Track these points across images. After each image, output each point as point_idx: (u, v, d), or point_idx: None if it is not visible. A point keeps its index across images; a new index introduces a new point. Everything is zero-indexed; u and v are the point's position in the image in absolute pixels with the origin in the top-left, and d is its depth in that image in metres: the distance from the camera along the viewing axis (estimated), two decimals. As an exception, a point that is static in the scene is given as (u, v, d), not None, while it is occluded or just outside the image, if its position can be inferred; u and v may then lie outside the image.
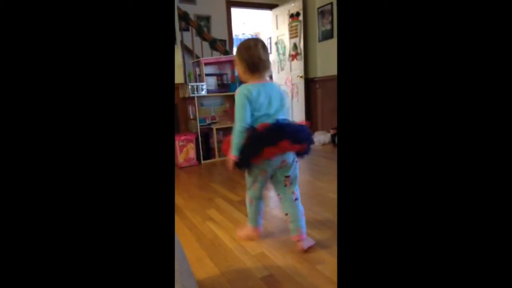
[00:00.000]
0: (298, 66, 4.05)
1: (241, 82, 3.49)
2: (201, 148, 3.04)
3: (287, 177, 1.27)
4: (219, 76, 3.32)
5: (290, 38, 4.09)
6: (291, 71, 4.18)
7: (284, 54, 4.26)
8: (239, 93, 1.20)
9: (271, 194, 2.07)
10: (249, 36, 6.60)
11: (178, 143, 2.90)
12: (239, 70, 1.26)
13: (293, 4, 3.97)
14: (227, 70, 3.37)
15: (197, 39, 3.44)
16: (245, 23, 6.28)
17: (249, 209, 1.38)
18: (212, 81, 3.25)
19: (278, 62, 4.39)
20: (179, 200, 2.02)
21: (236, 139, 1.19)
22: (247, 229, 1.42)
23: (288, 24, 4.08)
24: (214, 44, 3.35)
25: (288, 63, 4.20)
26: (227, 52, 3.52)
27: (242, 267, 1.21)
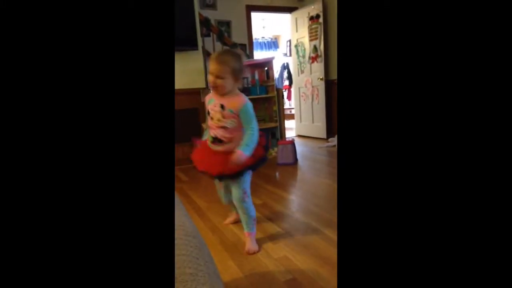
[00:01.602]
0: (318, 68, 4.03)
1: (262, 86, 3.49)
2: (222, 152, 3.09)
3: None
4: (240, 80, 3.36)
5: (310, 40, 4.08)
6: (311, 73, 4.16)
7: (304, 56, 4.25)
8: (250, 104, 1.35)
9: (292, 197, 2.07)
10: (269, 40, 6.63)
11: (200, 146, 2.95)
12: (227, 80, 1.28)
13: (313, 7, 3.96)
14: (247, 74, 3.40)
15: (218, 45, 3.50)
16: (265, 27, 6.32)
17: None
18: (232, 85, 3.29)
19: (298, 64, 4.39)
20: (201, 203, 2.06)
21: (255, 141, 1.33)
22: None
23: (308, 27, 4.07)
24: (235, 49, 3.40)
25: (308, 65, 4.19)
26: (248, 56, 3.56)
27: (265, 270, 1.22)
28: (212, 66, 1.27)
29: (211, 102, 1.35)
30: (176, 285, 0.41)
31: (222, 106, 1.30)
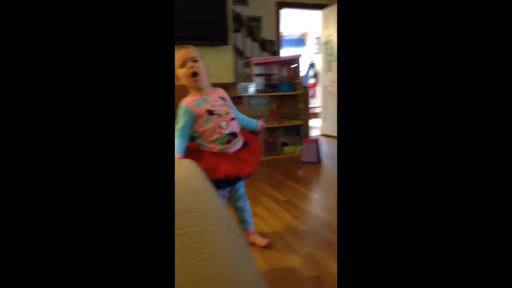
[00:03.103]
0: (347, 67, 3.95)
1: (289, 84, 3.47)
2: (247, 147, 3.11)
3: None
4: (267, 76, 3.37)
5: (340, 38, 4.01)
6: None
7: (331, 54, 4.19)
8: None
9: (316, 196, 2.06)
10: (297, 37, 6.57)
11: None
12: (203, 63, 1.17)
13: (344, 4, 3.88)
14: (275, 71, 3.41)
15: (248, 40, 3.52)
16: (293, 24, 6.27)
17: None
18: (260, 81, 3.30)
19: (326, 62, 4.33)
20: (226, 195, 2.09)
21: None
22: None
23: (339, 25, 4.00)
24: (264, 45, 3.41)
25: (335, 64, 4.13)
26: (276, 53, 3.56)
27: (290, 266, 1.23)
28: (181, 52, 1.13)
29: (204, 101, 1.16)
30: (218, 268, 0.43)
31: (223, 98, 1.22)
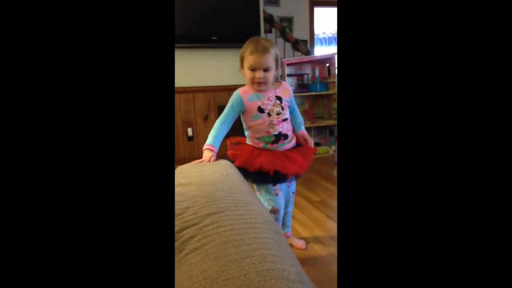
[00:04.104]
0: (382, 64, 3.83)
1: (322, 83, 3.42)
2: (279, 147, 3.12)
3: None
4: (300, 76, 3.36)
5: (375, 35, 3.90)
6: (374, 70, 3.98)
7: (367, 52, 4.08)
8: None
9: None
10: (330, 35, 6.47)
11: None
12: (273, 69, 1.14)
13: (380, 0, 3.77)
14: (308, 70, 3.38)
15: (279, 41, 3.53)
16: (326, 22, 6.18)
17: None
18: (292, 82, 3.30)
19: (360, 61, 4.22)
20: (260, 195, 2.12)
21: None
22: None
23: (374, 21, 3.89)
24: (296, 45, 3.40)
25: (371, 61, 4.02)
26: (309, 52, 3.53)
27: (327, 268, 1.23)
28: (256, 59, 1.09)
29: (257, 98, 1.15)
30: (266, 264, 0.45)
31: (279, 98, 1.18)
